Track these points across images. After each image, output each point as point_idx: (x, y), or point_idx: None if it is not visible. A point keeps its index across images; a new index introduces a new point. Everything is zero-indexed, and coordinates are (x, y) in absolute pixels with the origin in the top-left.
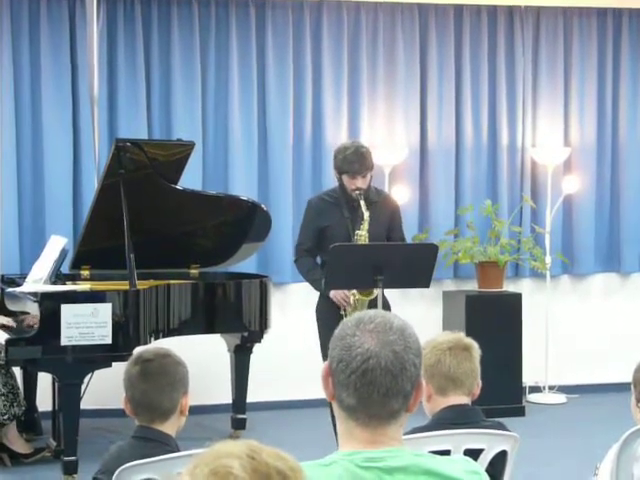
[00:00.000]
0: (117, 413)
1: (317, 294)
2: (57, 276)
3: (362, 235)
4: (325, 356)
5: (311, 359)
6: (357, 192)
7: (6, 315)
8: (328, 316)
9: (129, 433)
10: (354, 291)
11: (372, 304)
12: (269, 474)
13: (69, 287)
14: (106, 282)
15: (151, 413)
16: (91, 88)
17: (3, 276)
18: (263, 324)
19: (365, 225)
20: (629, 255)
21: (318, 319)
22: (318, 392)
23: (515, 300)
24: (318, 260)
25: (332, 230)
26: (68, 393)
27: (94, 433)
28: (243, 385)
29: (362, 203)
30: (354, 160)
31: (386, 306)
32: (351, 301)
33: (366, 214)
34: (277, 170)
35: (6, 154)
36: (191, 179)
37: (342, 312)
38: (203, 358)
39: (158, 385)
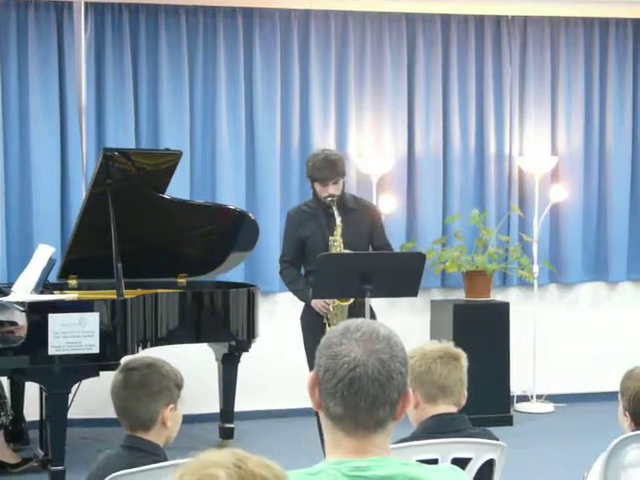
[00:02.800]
0: (105, 422)
1: (305, 303)
2: (44, 285)
3: (336, 240)
4: (311, 365)
5: (298, 368)
6: (329, 199)
7: None
8: (313, 325)
9: (117, 442)
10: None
11: (354, 311)
12: None
13: (56, 296)
14: (94, 291)
15: (130, 422)
16: (79, 97)
17: None
18: (251, 333)
19: (338, 230)
20: (616, 264)
21: (303, 328)
22: (305, 401)
23: (503, 309)
24: (302, 271)
25: (312, 240)
26: (56, 402)
27: (82, 442)
28: (231, 394)
29: (334, 208)
30: (324, 167)
31: (371, 315)
32: (330, 308)
33: (338, 219)
34: (265, 179)
35: None
36: (179, 188)
37: (325, 321)
38: (191, 367)
39: (136, 395)
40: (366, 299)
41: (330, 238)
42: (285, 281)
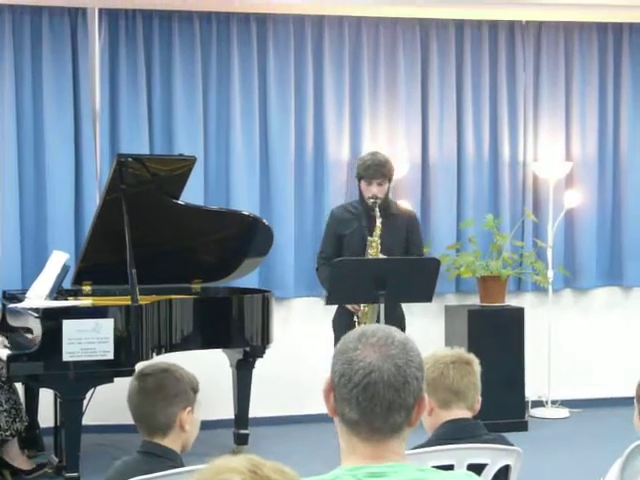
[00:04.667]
0: (119, 429)
1: (320, 309)
2: (59, 292)
3: (374, 241)
4: None
5: (313, 374)
6: (372, 200)
7: (7, 331)
8: (343, 327)
9: (132, 449)
10: None
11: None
12: None
13: (71, 303)
14: (108, 297)
15: (148, 427)
16: (93, 104)
17: (5, 292)
18: (265, 339)
19: (377, 232)
20: (631, 269)
21: (334, 330)
22: (320, 407)
23: (517, 314)
24: None
25: (349, 239)
26: (70, 409)
27: (96, 449)
28: (245, 400)
29: (377, 210)
30: (370, 165)
31: (401, 317)
32: (362, 308)
33: (378, 221)
34: (279, 185)
35: (8, 169)
36: (193, 194)
37: (355, 319)
38: (205, 373)
39: (152, 400)
40: (381, 304)
41: (368, 238)
42: (320, 277)
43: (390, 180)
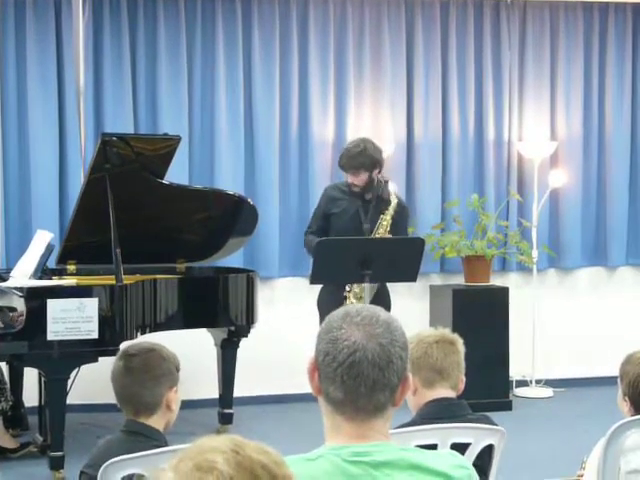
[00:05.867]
0: (104, 408)
1: (305, 289)
2: (43, 271)
3: (385, 219)
4: None
5: (298, 353)
6: (355, 188)
7: None
8: (329, 307)
9: (116, 428)
10: None
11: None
12: (253, 468)
13: (55, 282)
14: (92, 277)
15: (134, 407)
16: (77, 82)
17: None
18: (250, 318)
19: (390, 211)
20: (616, 249)
21: (319, 309)
22: (305, 386)
23: (502, 294)
24: None
25: (338, 216)
26: (54, 388)
27: (81, 428)
28: (230, 380)
29: (390, 189)
30: (342, 156)
31: (386, 298)
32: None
33: (394, 201)
34: (263, 164)
35: None
36: (177, 174)
37: (345, 293)
38: (190, 353)
39: (140, 380)
40: (366, 284)
41: (381, 216)
42: (306, 247)
43: (369, 169)
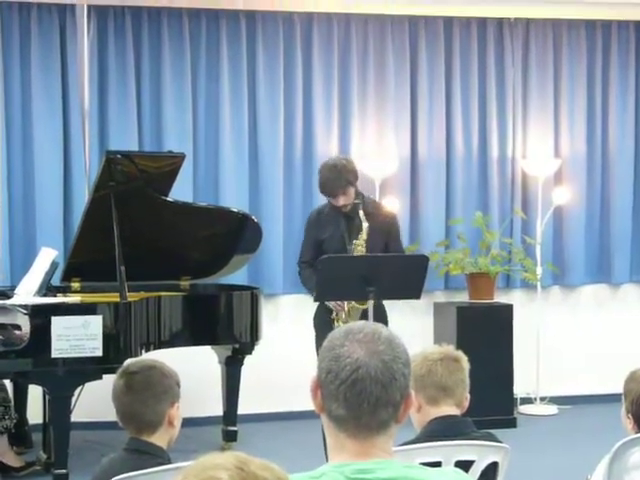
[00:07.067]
0: (108, 426)
1: (309, 306)
2: (47, 288)
3: (359, 244)
4: None
5: (302, 371)
6: (343, 209)
7: None
8: (325, 325)
9: (120, 446)
10: None
11: (366, 314)
12: None
13: (59, 299)
14: (97, 294)
15: (137, 426)
16: (82, 100)
17: None
18: (254, 336)
19: (363, 235)
20: (619, 266)
21: (315, 327)
22: (309, 404)
23: (506, 311)
24: None
25: (329, 242)
26: (59, 406)
27: (85, 446)
28: (234, 397)
29: (361, 214)
30: (320, 185)
31: (383, 315)
32: (345, 308)
33: (365, 225)
34: (268, 181)
35: None
36: (182, 191)
37: (333, 316)
38: (194, 370)
39: (141, 397)
40: (370, 302)
41: (354, 242)
42: (302, 281)
43: (352, 183)
